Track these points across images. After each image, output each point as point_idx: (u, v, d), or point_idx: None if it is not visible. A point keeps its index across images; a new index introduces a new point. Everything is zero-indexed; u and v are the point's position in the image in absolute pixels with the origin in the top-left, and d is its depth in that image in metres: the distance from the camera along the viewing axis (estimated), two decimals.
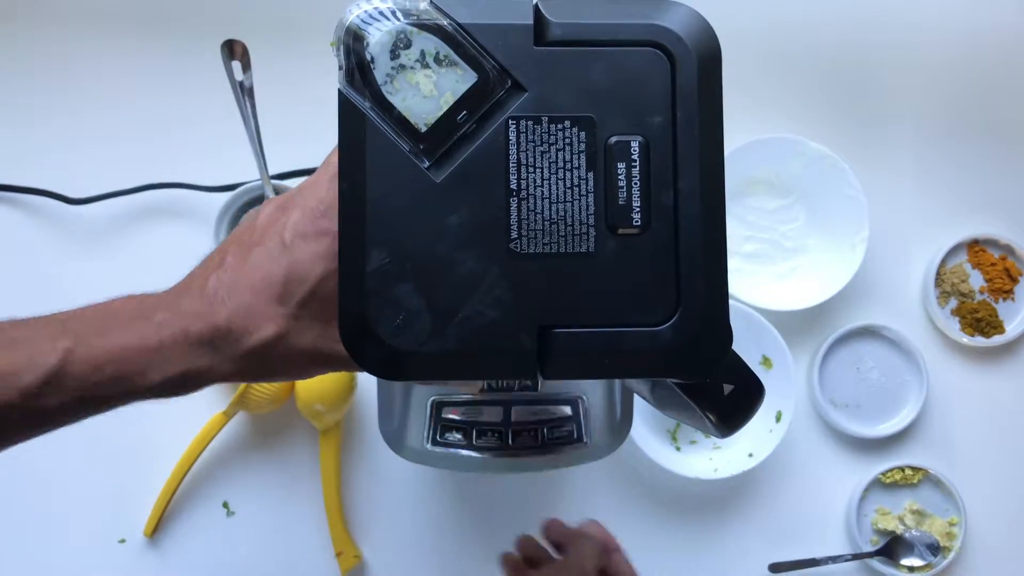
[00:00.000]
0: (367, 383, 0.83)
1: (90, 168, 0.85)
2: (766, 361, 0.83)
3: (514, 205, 0.38)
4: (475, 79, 0.38)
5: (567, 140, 0.39)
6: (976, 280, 0.88)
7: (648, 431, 0.83)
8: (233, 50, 0.77)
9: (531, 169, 0.38)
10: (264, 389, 0.78)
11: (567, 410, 0.70)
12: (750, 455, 0.81)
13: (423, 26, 0.39)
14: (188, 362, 0.42)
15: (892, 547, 0.83)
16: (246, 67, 0.77)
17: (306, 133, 0.85)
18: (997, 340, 0.87)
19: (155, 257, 0.85)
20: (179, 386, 0.43)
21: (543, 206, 0.38)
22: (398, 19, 0.39)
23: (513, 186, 0.38)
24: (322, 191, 0.42)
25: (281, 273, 0.41)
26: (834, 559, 0.83)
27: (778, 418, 0.81)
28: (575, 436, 0.70)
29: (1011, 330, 0.87)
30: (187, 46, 0.87)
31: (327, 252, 0.41)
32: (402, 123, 0.38)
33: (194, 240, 0.84)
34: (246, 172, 0.83)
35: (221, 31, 0.78)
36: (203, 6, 0.88)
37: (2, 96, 0.87)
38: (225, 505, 0.83)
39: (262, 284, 0.41)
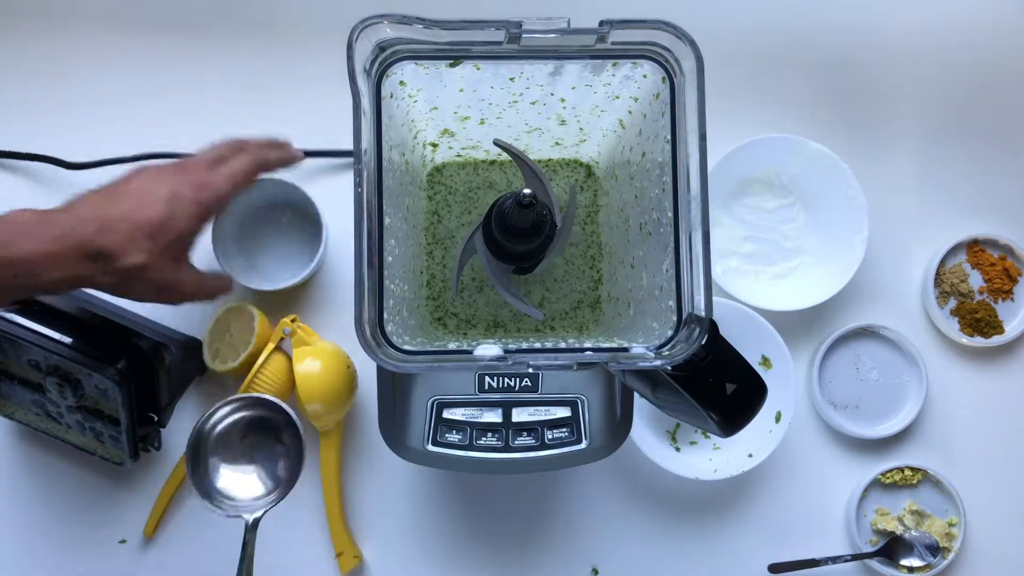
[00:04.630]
0: (367, 383, 0.83)
1: (89, 135, 0.86)
2: (765, 361, 0.83)
3: None
4: None
5: None
6: (975, 280, 0.88)
7: (648, 431, 0.83)
8: None
9: None
10: (264, 389, 0.78)
11: (567, 411, 0.70)
12: (750, 455, 0.81)
13: None
14: (77, 270, 0.57)
15: (892, 548, 0.83)
16: None
17: (308, 122, 0.86)
18: (996, 340, 0.87)
19: None
20: (68, 286, 0.58)
21: None
22: None
23: None
24: (203, 173, 0.64)
25: (159, 219, 0.59)
26: (834, 559, 0.83)
27: (777, 418, 0.81)
28: (575, 437, 0.70)
29: (1010, 330, 0.87)
30: (189, 21, 0.88)
31: (196, 214, 0.61)
32: None
33: None
34: None
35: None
36: None
37: (2, 62, 0.88)
38: None
39: (144, 223, 0.59)
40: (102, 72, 0.88)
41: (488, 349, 0.53)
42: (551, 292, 0.71)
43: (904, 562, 0.83)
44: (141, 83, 0.88)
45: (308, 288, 0.85)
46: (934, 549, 0.83)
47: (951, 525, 0.84)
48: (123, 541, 0.82)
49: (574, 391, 0.70)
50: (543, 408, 0.70)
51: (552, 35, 0.53)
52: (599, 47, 0.55)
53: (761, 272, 0.87)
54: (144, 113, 0.87)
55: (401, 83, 0.58)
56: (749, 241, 0.87)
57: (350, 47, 0.52)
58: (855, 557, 0.83)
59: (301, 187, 0.81)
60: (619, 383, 0.71)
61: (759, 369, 0.83)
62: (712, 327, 0.50)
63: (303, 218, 0.84)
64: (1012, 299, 0.88)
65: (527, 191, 0.55)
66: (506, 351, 0.53)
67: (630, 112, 0.63)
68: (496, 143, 0.65)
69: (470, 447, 0.70)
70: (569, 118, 0.67)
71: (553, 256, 0.66)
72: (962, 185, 0.90)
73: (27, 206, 0.88)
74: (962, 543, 0.84)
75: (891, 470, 0.84)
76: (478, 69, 0.58)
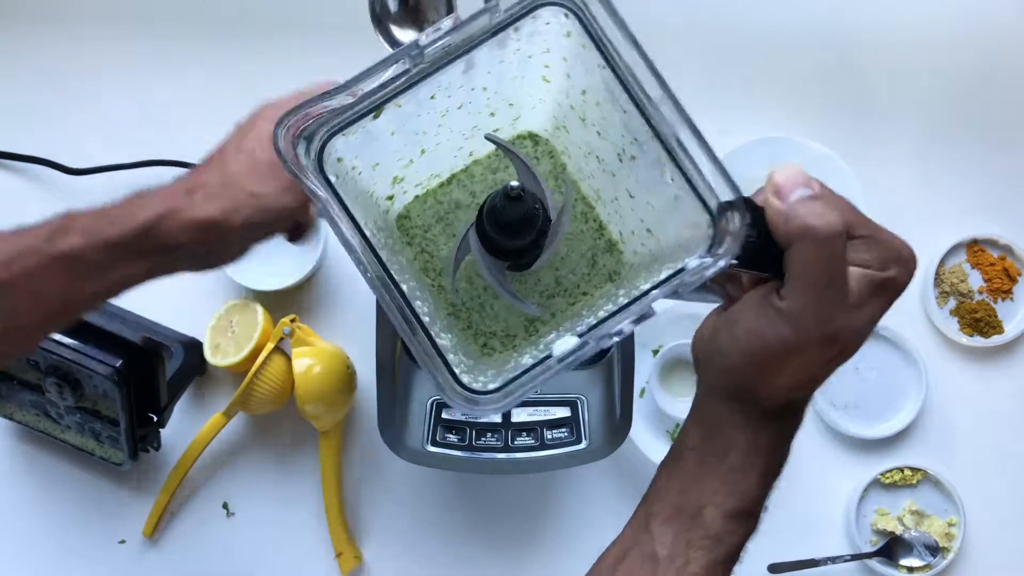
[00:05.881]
0: (367, 384, 0.83)
1: (91, 139, 0.86)
2: None
3: None
4: None
5: None
6: (975, 280, 0.88)
7: (648, 432, 0.83)
8: None
9: None
10: (264, 389, 0.78)
11: (566, 411, 0.70)
12: None
13: None
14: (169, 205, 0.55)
15: (891, 547, 0.83)
16: None
17: None
18: (996, 340, 0.87)
19: None
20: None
21: None
22: None
23: None
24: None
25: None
26: (833, 559, 0.83)
27: None
28: (574, 437, 0.70)
29: (1010, 330, 0.87)
30: (194, 26, 0.88)
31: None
32: None
33: None
34: None
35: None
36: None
37: (8, 66, 0.88)
38: (225, 506, 0.83)
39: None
40: (107, 76, 0.88)
41: (565, 343, 0.50)
42: (561, 269, 0.69)
43: (904, 562, 0.83)
44: (145, 88, 0.88)
45: (307, 288, 0.85)
46: (934, 549, 0.83)
47: (951, 525, 0.84)
48: (122, 542, 0.82)
49: (574, 391, 0.70)
50: (542, 408, 0.70)
51: (449, 37, 0.52)
52: (495, 23, 0.53)
53: None
54: (148, 118, 0.87)
55: (339, 160, 0.56)
56: None
57: (283, 153, 0.49)
58: (855, 557, 0.83)
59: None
60: (619, 382, 0.71)
61: None
62: (748, 203, 0.48)
63: None
64: (1012, 299, 0.88)
65: (514, 183, 0.55)
66: (581, 336, 0.51)
67: (547, 66, 0.61)
68: (488, 138, 0.63)
69: (470, 447, 0.70)
70: (496, 104, 0.65)
71: (550, 252, 0.66)
72: (961, 185, 0.90)
73: (24, 208, 0.88)
74: (961, 543, 0.84)
75: (891, 470, 0.84)
76: (400, 107, 0.55)
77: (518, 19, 0.54)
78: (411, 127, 0.59)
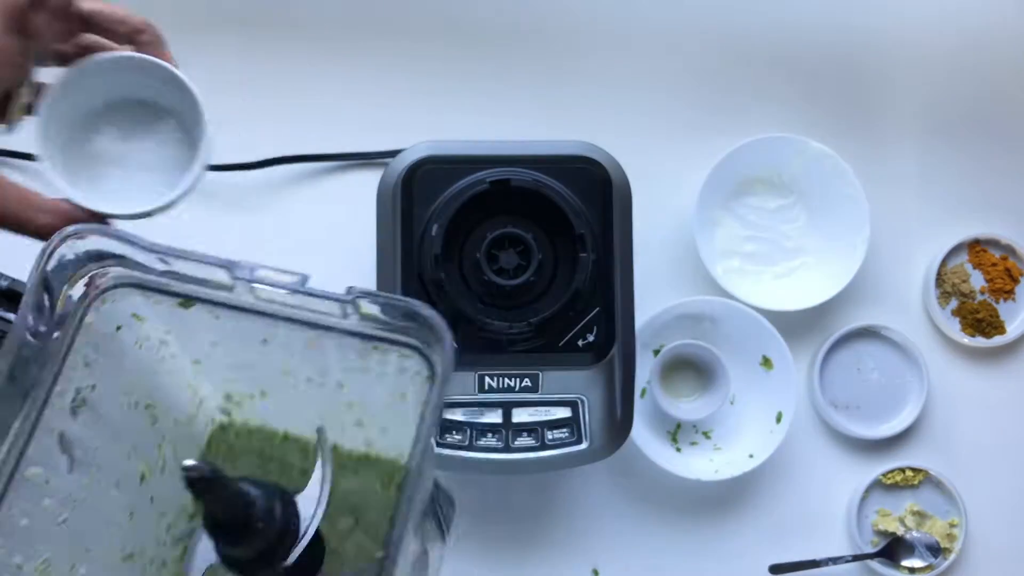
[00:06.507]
0: None
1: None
2: (766, 362, 0.83)
3: None
4: None
5: None
6: (977, 280, 0.88)
7: (648, 432, 0.83)
8: None
9: None
10: None
11: (567, 411, 0.69)
12: (751, 456, 0.81)
13: None
14: None
15: (893, 548, 0.83)
16: None
17: (291, 123, 0.86)
18: (998, 340, 0.86)
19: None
20: None
21: None
22: None
23: None
24: None
25: None
26: (835, 560, 0.83)
27: (779, 419, 0.81)
28: (575, 437, 0.69)
29: (1012, 330, 0.87)
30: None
31: None
32: None
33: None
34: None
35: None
36: None
37: None
38: None
39: None
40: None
41: None
42: None
43: (905, 563, 0.83)
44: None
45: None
46: (935, 550, 0.82)
47: (952, 526, 0.84)
48: None
49: (575, 391, 0.70)
50: (543, 409, 0.70)
51: (283, 291, 0.39)
52: (348, 323, 0.40)
53: (762, 272, 0.86)
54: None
55: (135, 316, 0.45)
56: (750, 241, 0.87)
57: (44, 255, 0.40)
58: (856, 558, 0.83)
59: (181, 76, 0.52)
60: (620, 382, 0.70)
61: (760, 370, 0.83)
62: None
63: (181, 128, 0.54)
64: (1013, 299, 0.88)
65: (191, 462, 0.37)
66: None
67: (423, 417, 0.46)
68: (318, 431, 0.47)
69: (470, 447, 0.69)
70: (367, 417, 0.52)
71: None
72: (963, 185, 0.90)
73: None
74: (963, 544, 0.84)
75: (892, 471, 0.84)
76: (218, 320, 0.43)
77: (383, 341, 0.42)
78: (240, 356, 0.48)
